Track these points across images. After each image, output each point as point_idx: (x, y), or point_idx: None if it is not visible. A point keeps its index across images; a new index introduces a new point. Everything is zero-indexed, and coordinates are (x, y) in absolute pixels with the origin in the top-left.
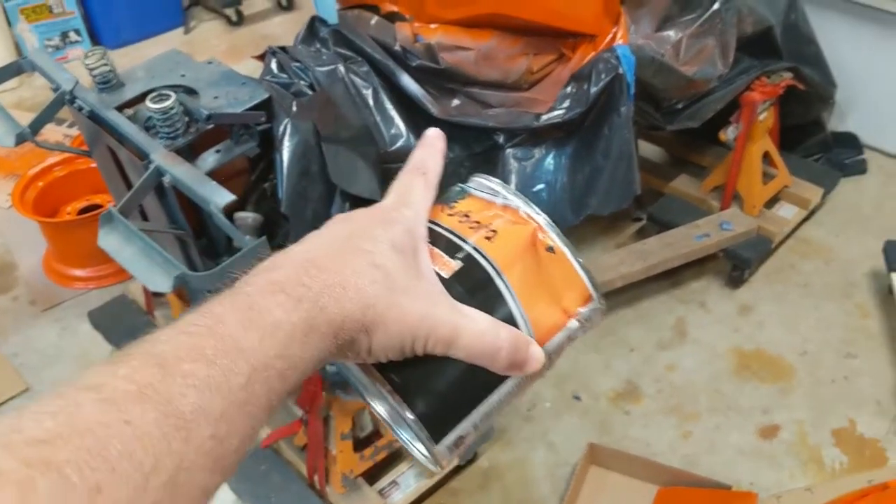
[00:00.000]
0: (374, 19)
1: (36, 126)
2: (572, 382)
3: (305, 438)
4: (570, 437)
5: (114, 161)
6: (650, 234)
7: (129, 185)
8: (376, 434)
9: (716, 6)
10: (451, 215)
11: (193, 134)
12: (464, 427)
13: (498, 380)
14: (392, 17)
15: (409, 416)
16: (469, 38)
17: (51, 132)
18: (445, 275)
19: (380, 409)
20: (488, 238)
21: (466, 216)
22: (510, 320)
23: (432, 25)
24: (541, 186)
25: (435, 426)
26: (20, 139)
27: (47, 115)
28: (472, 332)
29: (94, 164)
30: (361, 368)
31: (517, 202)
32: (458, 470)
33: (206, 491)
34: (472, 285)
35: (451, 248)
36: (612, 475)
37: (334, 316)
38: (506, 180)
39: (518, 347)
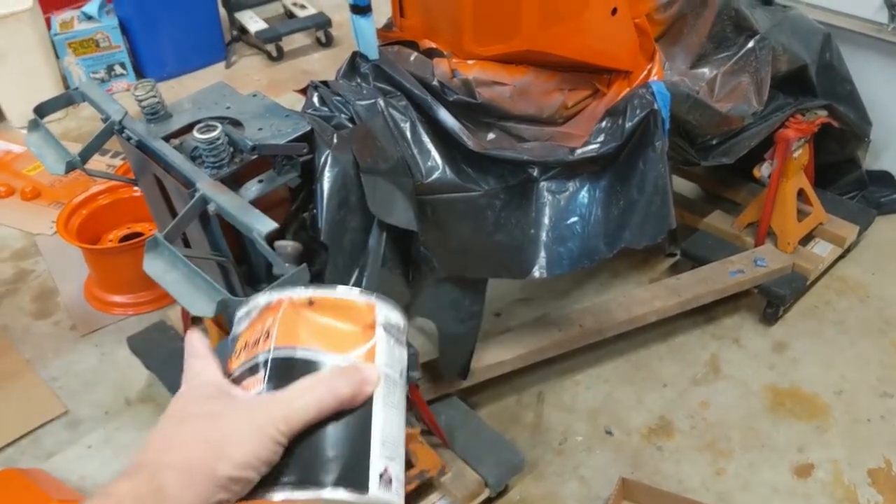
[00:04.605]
0: (414, 55)
1: (85, 155)
2: (604, 417)
3: None
4: (602, 472)
5: (160, 189)
6: (684, 269)
7: (173, 213)
8: (407, 464)
9: (750, 45)
10: (238, 357)
11: (238, 164)
12: (376, 464)
13: (363, 411)
14: (430, 54)
15: (328, 492)
16: (505, 73)
17: (95, 162)
18: (261, 388)
19: None
20: (266, 339)
21: (246, 345)
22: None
23: (469, 61)
24: (574, 219)
25: (350, 480)
26: (70, 167)
27: (96, 145)
28: (302, 393)
29: (136, 194)
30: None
31: (262, 299)
32: (488, 502)
33: None
34: (282, 374)
35: (252, 371)
36: None
37: (173, 462)
38: (539, 213)
39: (347, 373)
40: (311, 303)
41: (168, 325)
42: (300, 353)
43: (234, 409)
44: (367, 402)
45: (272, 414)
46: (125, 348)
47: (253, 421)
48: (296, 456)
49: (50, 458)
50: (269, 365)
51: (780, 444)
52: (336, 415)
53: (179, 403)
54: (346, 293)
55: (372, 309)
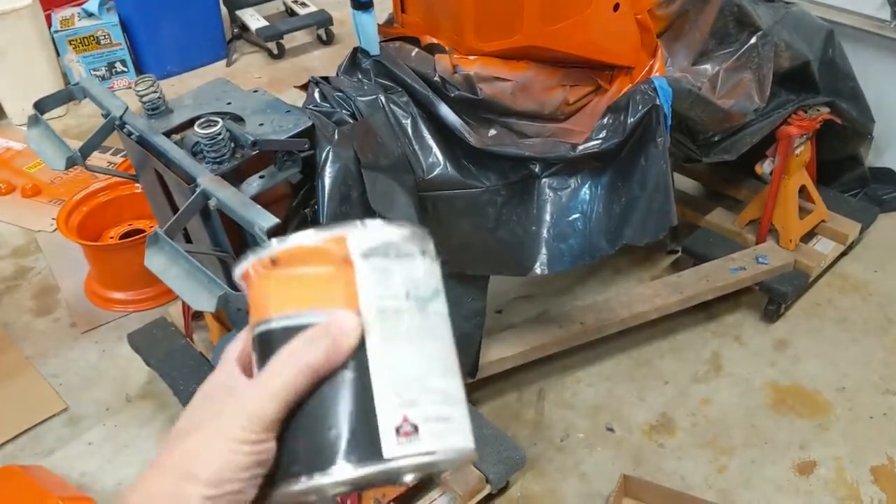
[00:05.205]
0: (415, 51)
1: (86, 150)
2: (606, 414)
3: None
4: (603, 469)
5: (160, 185)
6: (685, 266)
7: (174, 209)
8: None
9: (752, 41)
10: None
11: (239, 159)
12: (389, 418)
13: (356, 364)
14: (432, 50)
15: (338, 472)
16: (507, 69)
17: (95, 159)
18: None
19: (337, 489)
20: (249, 314)
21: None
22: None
23: (471, 57)
24: (576, 216)
25: (358, 452)
26: (70, 163)
27: (97, 140)
28: (267, 378)
29: (137, 190)
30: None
31: (237, 270)
32: (489, 499)
33: None
34: (265, 351)
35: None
36: None
37: (147, 491)
38: (541, 210)
39: (313, 337)
40: (273, 262)
41: (169, 322)
42: (275, 324)
43: (210, 419)
44: (359, 353)
45: (234, 414)
46: (125, 345)
47: (218, 429)
48: (296, 440)
49: (50, 455)
50: (254, 343)
51: (781, 442)
52: (325, 380)
53: (182, 416)
54: (304, 237)
55: (342, 241)
